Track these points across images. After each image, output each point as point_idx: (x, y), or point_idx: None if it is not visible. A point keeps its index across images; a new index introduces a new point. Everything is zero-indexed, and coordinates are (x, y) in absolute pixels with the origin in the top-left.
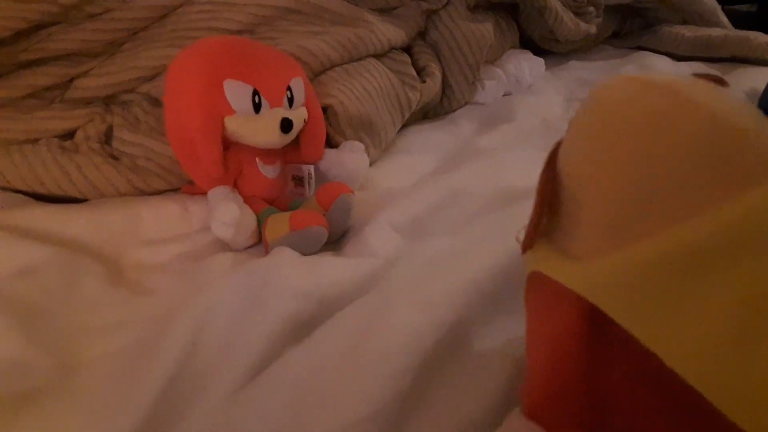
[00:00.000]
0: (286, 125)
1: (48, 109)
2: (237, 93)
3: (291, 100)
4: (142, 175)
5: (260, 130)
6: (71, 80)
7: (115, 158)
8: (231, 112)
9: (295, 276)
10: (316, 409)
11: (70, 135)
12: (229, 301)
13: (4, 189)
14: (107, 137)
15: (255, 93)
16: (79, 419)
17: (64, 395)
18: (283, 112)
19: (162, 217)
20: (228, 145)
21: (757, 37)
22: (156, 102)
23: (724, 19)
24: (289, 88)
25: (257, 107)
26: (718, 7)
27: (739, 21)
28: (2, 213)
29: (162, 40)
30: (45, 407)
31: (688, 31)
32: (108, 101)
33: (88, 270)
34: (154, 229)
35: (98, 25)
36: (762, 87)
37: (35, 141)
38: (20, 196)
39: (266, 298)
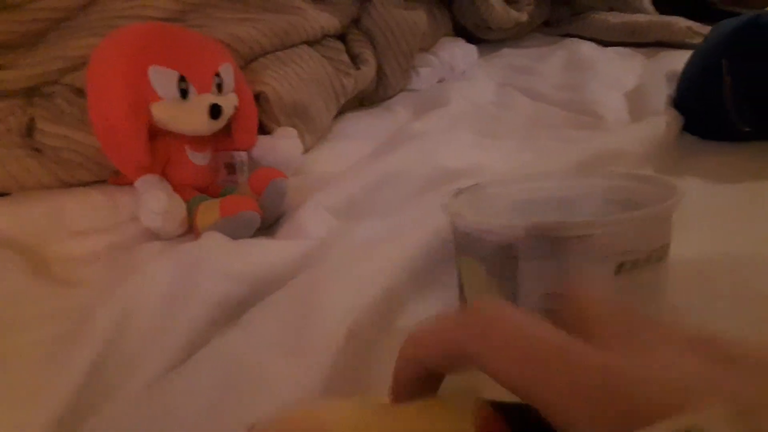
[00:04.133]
0: (215, 111)
1: None
2: (162, 79)
3: (220, 87)
4: (66, 166)
5: (188, 117)
6: None
7: (38, 151)
8: (157, 98)
9: (226, 258)
10: (250, 387)
11: None
12: (157, 285)
13: None
14: (29, 130)
15: (181, 79)
16: (3, 407)
17: None
18: (212, 98)
19: (88, 208)
20: (155, 132)
21: (678, 21)
22: (80, 93)
23: (649, 5)
24: (217, 74)
25: (184, 93)
26: None
27: (664, 7)
28: None
29: (86, 29)
30: None
31: (614, 18)
32: (30, 93)
33: (12, 263)
34: (81, 221)
35: (17, 15)
36: (680, 68)
37: None
38: None
39: (196, 281)
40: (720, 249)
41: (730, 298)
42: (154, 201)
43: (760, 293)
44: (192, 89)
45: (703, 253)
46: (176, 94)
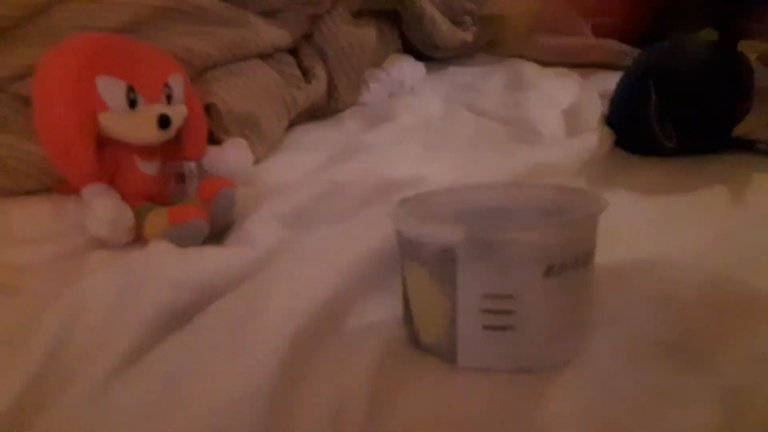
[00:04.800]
0: (163, 121)
1: None
2: (110, 89)
3: (170, 97)
4: (11, 175)
5: (136, 127)
6: None
7: None
8: (105, 108)
9: (171, 266)
10: (194, 388)
11: None
12: (101, 293)
13: None
14: None
15: (130, 89)
16: None
17: None
18: (161, 108)
19: (34, 217)
20: (103, 142)
21: (612, 44)
22: (26, 101)
23: (587, 29)
24: (167, 85)
25: (132, 103)
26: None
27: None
28: None
29: (34, 38)
30: None
31: (553, 40)
32: None
33: None
34: (26, 230)
35: None
36: (613, 88)
37: None
38: None
39: (141, 289)
40: (642, 256)
41: (649, 300)
42: (102, 209)
43: (675, 296)
44: (141, 99)
45: (627, 259)
46: (124, 104)
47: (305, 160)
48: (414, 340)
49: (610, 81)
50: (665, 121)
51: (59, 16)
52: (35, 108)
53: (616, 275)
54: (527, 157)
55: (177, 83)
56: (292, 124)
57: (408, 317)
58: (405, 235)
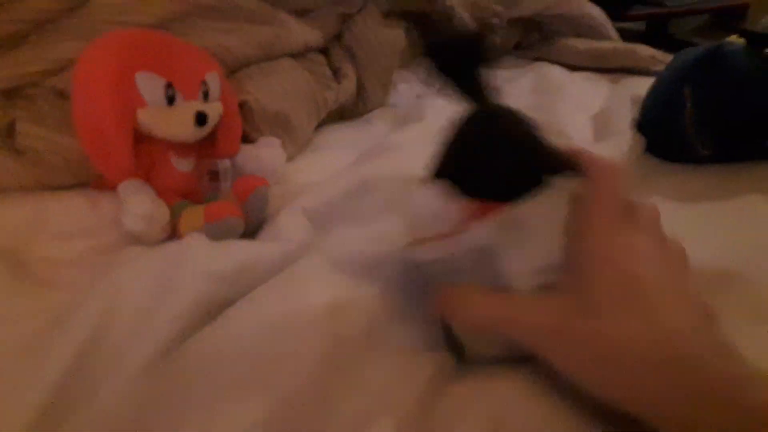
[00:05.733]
0: (200, 118)
1: None
2: (149, 85)
3: (206, 94)
4: (47, 169)
5: (174, 123)
6: None
7: (19, 152)
8: (143, 104)
9: (206, 257)
10: (239, 387)
11: None
12: (139, 282)
13: None
14: (9, 131)
15: (168, 85)
16: None
17: None
18: (198, 105)
19: (70, 211)
20: (140, 138)
21: (643, 50)
22: (62, 95)
23: (614, 33)
24: (204, 82)
25: (171, 100)
26: (609, 22)
27: (629, 38)
28: None
29: (70, 32)
30: None
31: (581, 44)
32: (10, 94)
33: None
34: (62, 224)
35: (1, 15)
36: (644, 93)
37: None
38: None
39: (177, 280)
40: None
41: None
42: (138, 205)
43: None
44: (179, 96)
45: None
46: (163, 100)
47: (334, 159)
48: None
49: (641, 86)
50: (701, 128)
51: (96, 11)
52: (74, 102)
53: None
54: None
55: (214, 80)
56: (320, 124)
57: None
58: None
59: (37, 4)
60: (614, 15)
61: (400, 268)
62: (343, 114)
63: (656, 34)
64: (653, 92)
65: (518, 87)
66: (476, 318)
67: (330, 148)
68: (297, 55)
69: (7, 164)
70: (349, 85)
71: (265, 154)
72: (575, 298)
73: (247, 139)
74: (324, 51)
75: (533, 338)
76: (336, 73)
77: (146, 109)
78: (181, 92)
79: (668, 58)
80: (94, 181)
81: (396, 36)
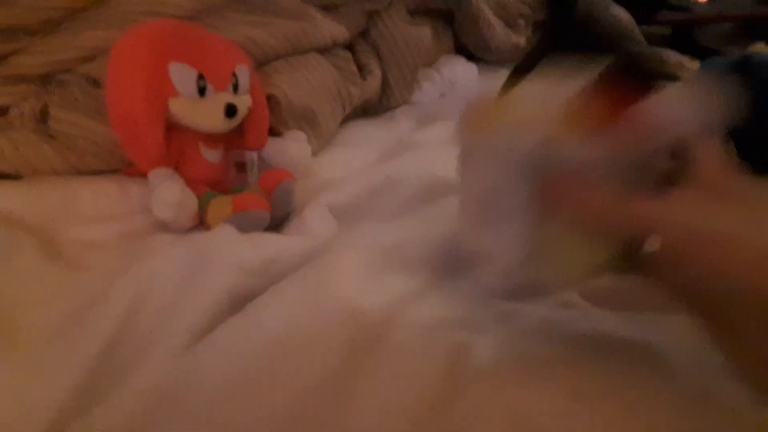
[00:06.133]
0: (230, 110)
1: None
2: (182, 75)
3: (236, 87)
4: (79, 154)
5: (204, 114)
6: (6, 57)
7: (52, 137)
8: (175, 94)
9: (235, 249)
10: (264, 377)
11: (2, 112)
12: (170, 270)
13: None
14: (42, 116)
15: (200, 76)
16: (19, 378)
17: (2, 357)
18: (228, 97)
19: (100, 196)
20: (170, 127)
21: (671, 56)
22: (95, 83)
23: (640, 37)
24: (234, 74)
25: (202, 91)
26: (636, 26)
27: (653, 42)
28: None
29: (103, 21)
30: None
31: None
32: (44, 80)
33: (24, 244)
34: (92, 208)
35: (34, 1)
36: None
37: None
38: None
39: (208, 270)
40: None
41: None
42: (168, 192)
43: None
44: (210, 87)
45: None
46: (194, 91)
47: (358, 156)
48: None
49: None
50: (738, 142)
51: (128, 1)
52: (107, 90)
53: None
54: None
55: (243, 73)
56: (344, 120)
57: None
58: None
59: None
60: (641, 19)
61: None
62: (366, 110)
63: (681, 40)
64: None
65: None
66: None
67: (354, 144)
68: (324, 51)
69: (41, 148)
70: (374, 81)
71: (291, 148)
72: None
73: (273, 132)
74: (350, 47)
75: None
76: (361, 70)
77: (178, 99)
78: (212, 84)
79: (695, 65)
80: (125, 167)
81: (422, 33)
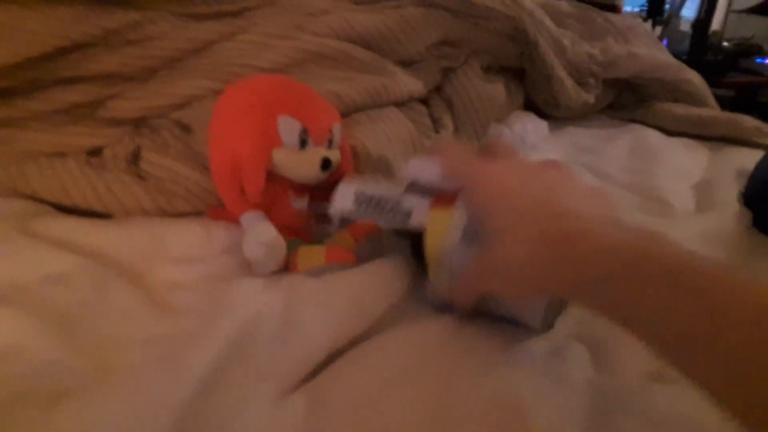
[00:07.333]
0: (326, 164)
1: (78, 125)
2: (289, 128)
3: (331, 142)
4: (167, 196)
5: (302, 165)
6: (104, 101)
7: (142, 178)
8: (280, 144)
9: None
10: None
11: (96, 152)
12: (267, 319)
13: (31, 198)
14: (134, 158)
15: (303, 130)
16: (116, 415)
17: (99, 393)
18: (324, 151)
19: (187, 237)
20: (266, 175)
21: (746, 120)
22: (185, 129)
23: (712, 100)
24: (330, 130)
25: (303, 143)
26: (708, 90)
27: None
28: (29, 221)
29: (197, 71)
30: (80, 405)
31: (680, 109)
32: (137, 124)
33: (116, 282)
34: (179, 249)
35: (137, 51)
36: (750, 166)
37: (62, 155)
38: (45, 206)
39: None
40: None
41: None
42: (264, 232)
43: None
44: (310, 141)
45: None
46: (297, 143)
47: None
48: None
49: (746, 157)
50: None
51: (221, 53)
52: (212, 136)
53: None
54: (656, 228)
55: (338, 130)
56: None
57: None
58: None
59: (168, 44)
60: (710, 81)
61: None
62: None
63: (745, 101)
64: (764, 165)
65: (616, 147)
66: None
67: None
68: (400, 104)
69: (132, 188)
70: (446, 135)
71: None
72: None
73: None
74: (425, 101)
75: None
76: (435, 123)
77: (281, 149)
78: (313, 138)
79: None
80: (210, 210)
81: (496, 90)
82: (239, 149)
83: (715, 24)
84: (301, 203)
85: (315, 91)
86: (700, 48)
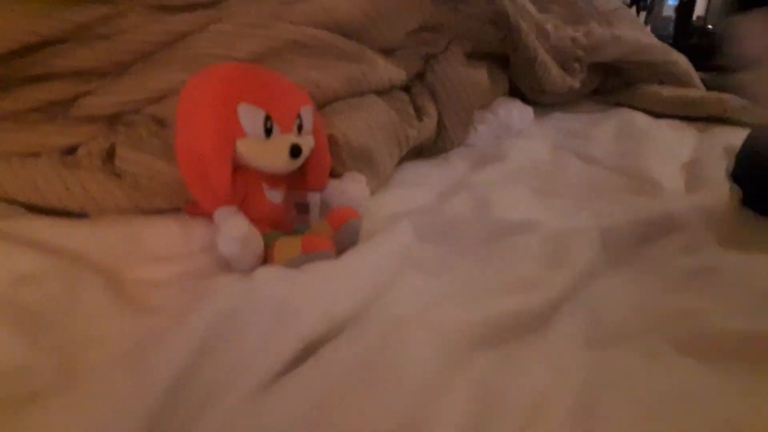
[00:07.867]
0: (295, 151)
1: (51, 123)
2: (250, 117)
3: (300, 128)
4: (144, 193)
5: (270, 155)
6: (76, 98)
7: (117, 175)
8: (243, 135)
9: (320, 298)
10: (331, 425)
11: (71, 151)
12: (245, 312)
13: (3, 200)
14: (109, 155)
15: (267, 118)
16: (83, 416)
17: (67, 397)
18: (293, 138)
19: (163, 235)
20: (235, 168)
21: (732, 99)
22: (161, 123)
23: (698, 81)
24: (299, 115)
25: (268, 132)
26: (693, 70)
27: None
28: (1, 222)
29: (171, 64)
30: (48, 409)
31: (665, 91)
32: (112, 120)
33: (89, 282)
34: (155, 247)
35: (108, 45)
36: (738, 144)
37: (36, 154)
38: (18, 207)
39: (291, 318)
40: None
41: None
42: (235, 227)
43: None
44: (276, 128)
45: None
46: (261, 132)
47: (414, 196)
48: None
49: (734, 136)
50: None
51: (195, 45)
52: (177, 130)
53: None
54: (645, 208)
55: (307, 115)
56: (400, 161)
57: None
58: None
59: (141, 37)
60: (696, 65)
61: None
62: (421, 151)
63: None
64: (751, 143)
65: (603, 131)
66: None
67: (411, 184)
68: (382, 92)
69: (107, 186)
70: (430, 123)
71: (351, 189)
72: None
73: (331, 173)
74: (407, 89)
75: None
76: (418, 111)
77: (245, 140)
78: (279, 124)
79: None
80: (188, 206)
81: (478, 76)
82: (201, 144)
83: (700, 9)
84: (276, 195)
85: (282, 76)
86: (684, 32)
